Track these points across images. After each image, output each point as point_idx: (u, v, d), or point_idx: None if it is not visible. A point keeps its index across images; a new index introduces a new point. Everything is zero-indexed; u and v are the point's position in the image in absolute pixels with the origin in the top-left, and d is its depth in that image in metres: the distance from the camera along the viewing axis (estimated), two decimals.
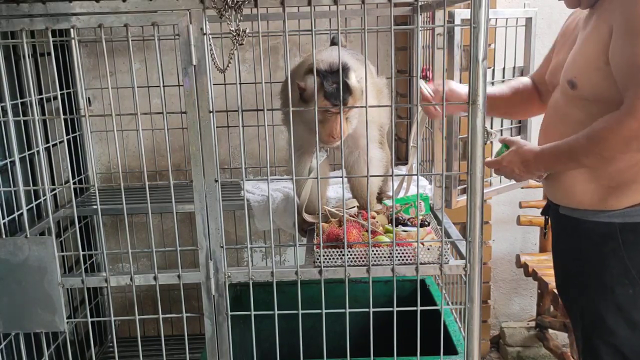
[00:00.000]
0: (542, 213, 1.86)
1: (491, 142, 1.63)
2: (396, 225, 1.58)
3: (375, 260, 1.50)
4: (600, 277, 1.56)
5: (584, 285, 1.62)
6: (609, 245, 1.54)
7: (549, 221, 1.83)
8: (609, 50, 1.43)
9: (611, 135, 1.41)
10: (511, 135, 2.25)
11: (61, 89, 2.42)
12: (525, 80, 1.91)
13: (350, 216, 1.71)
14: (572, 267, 1.68)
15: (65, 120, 2.45)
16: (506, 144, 1.72)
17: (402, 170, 2.56)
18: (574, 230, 1.63)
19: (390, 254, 1.49)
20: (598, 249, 1.56)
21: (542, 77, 1.79)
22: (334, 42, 2.11)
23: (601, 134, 1.43)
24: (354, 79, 1.71)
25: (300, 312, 1.50)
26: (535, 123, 1.93)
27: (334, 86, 1.63)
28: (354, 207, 1.98)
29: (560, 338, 2.83)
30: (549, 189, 1.72)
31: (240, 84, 1.70)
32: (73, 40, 2.36)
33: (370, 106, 1.41)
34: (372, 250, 1.49)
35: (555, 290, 2.13)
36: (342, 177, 1.47)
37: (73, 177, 2.51)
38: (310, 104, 1.64)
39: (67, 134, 2.48)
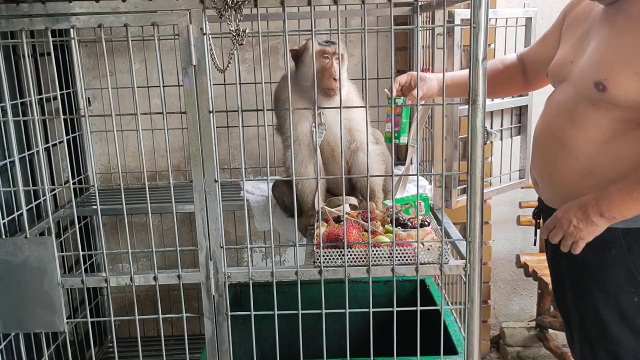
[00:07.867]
0: (534, 216, 1.79)
1: (491, 142, 1.63)
2: (395, 226, 1.58)
3: (375, 261, 1.50)
4: (602, 285, 1.51)
5: (584, 292, 1.56)
6: (611, 252, 1.48)
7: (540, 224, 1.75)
8: None
9: None
10: (511, 137, 2.23)
11: (61, 89, 2.42)
12: (512, 58, 1.83)
13: (350, 216, 1.71)
14: (570, 273, 1.61)
15: (65, 120, 2.45)
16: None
17: (401, 170, 2.56)
18: None
19: (390, 254, 1.49)
20: (599, 256, 1.50)
21: (535, 59, 1.72)
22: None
23: None
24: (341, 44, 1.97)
25: (300, 312, 1.49)
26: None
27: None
28: (355, 204, 1.98)
29: (560, 338, 2.83)
30: (544, 192, 1.64)
31: (240, 84, 1.70)
32: (73, 40, 2.37)
33: (371, 106, 1.41)
34: (372, 251, 1.49)
35: None
36: (342, 176, 1.47)
37: (73, 177, 2.51)
38: (305, 61, 1.92)
39: (67, 134, 2.48)
